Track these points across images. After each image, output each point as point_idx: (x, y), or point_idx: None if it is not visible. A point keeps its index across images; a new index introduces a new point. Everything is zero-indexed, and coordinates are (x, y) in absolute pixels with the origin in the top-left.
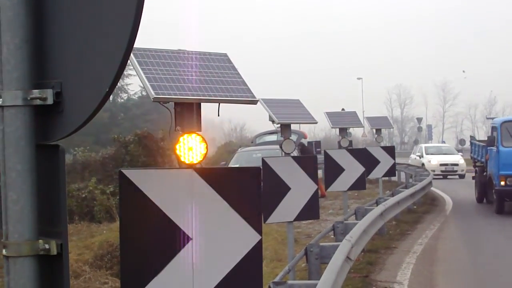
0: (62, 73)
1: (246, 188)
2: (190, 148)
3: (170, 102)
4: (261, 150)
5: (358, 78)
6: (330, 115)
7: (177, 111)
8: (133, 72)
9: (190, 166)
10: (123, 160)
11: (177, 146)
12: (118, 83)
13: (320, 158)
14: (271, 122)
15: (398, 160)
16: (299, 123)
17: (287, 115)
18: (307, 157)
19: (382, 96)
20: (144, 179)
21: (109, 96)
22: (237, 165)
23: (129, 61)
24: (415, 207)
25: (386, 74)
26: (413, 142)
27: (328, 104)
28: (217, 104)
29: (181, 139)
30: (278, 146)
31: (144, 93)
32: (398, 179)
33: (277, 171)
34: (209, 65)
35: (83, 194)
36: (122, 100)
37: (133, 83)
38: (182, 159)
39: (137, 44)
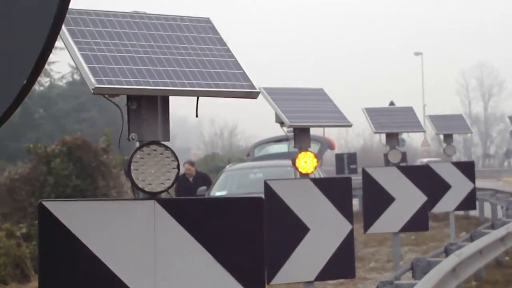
0: None
1: (240, 230)
2: (152, 168)
3: (121, 95)
4: (262, 168)
5: (417, 54)
6: (372, 114)
7: (132, 109)
8: (60, 44)
9: (152, 196)
10: (42, 184)
11: (132, 164)
12: None
13: (356, 180)
14: (278, 125)
15: (480, 183)
16: (324, 125)
17: (304, 113)
18: (338, 179)
19: (453, 81)
20: (78, 216)
21: (29, 91)
22: (224, 193)
23: None
24: (507, 258)
25: (461, 47)
26: (503, 154)
27: (369, 96)
28: (195, 98)
29: (137, 153)
30: (289, 162)
31: (77, 77)
32: (480, 214)
33: (288, 201)
34: (182, 36)
35: None
36: (41, 88)
37: (60, 60)
38: (139, 184)
39: (72, 4)
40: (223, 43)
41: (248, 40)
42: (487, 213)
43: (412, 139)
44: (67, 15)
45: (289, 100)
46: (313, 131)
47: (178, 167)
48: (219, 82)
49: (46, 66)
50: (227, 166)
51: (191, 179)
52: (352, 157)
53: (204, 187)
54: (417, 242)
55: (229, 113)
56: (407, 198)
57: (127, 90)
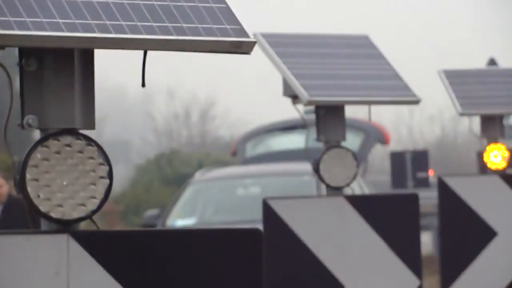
0: None
1: (219, 285)
2: (65, 178)
3: (9, 48)
4: (260, 177)
5: None
6: (457, 81)
7: (29, 72)
8: None
9: (64, 226)
10: None
11: (28, 170)
12: None
13: (428, 199)
14: (288, 101)
15: None
16: (372, 102)
17: (335, 80)
18: (395, 197)
19: None
20: None
21: None
22: (192, 221)
23: None
24: None
25: None
26: None
27: (450, 53)
28: (141, 53)
29: (37, 150)
30: (308, 167)
31: None
32: None
33: (304, 236)
34: None
35: None
36: None
37: None
38: (41, 206)
39: None
40: None
41: None
42: None
43: None
44: None
45: (308, 57)
46: (352, 112)
47: (110, 176)
48: (184, 25)
49: None
50: (197, 174)
51: None
52: (420, 158)
53: (155, 211)
54: None
55: (200, 80)
56: None
57: (20, 38)
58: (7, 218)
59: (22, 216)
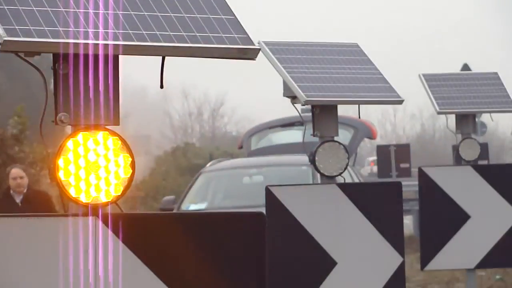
0: None
1: (227, 266)
2: (93, 168)
3: (44, 54)
4: (263, 168)
5: None
6: (435, 84)
7: (61, 75)
8: None
9: (92, 210)
10: None
11: (59, 161)
12: None
13: (410, 187)
14: (288, 100)
15: None
16: (360, 102)
17: (329, 83)
18: (381, 185)
19: None
20: None
21: None
22: (203, 206)
23: None
24: None
25: None
26: None
27: (428, 56)
28: (160, 58)
29: (68, 144)
30: (305, 158)
31: None
32: None
33: (303, 220)
34: None
35: None
36: None
37: None
38: (71, 191)
39: None
40: None
41: None
42: None
43: (498, 124)
44: None
45: (305, 62)
46: (343, 111)
47: (132, 166)
48: (197, 34)
49: None
50: (208, 165)
51: (18, 199)
52: (403, 151)
53: (171, 197)
54: (505, 284)
55: (211, 82)
56: (489, 216)
57: (54, 45)
58: (26, 207)
59: (40, 206)
